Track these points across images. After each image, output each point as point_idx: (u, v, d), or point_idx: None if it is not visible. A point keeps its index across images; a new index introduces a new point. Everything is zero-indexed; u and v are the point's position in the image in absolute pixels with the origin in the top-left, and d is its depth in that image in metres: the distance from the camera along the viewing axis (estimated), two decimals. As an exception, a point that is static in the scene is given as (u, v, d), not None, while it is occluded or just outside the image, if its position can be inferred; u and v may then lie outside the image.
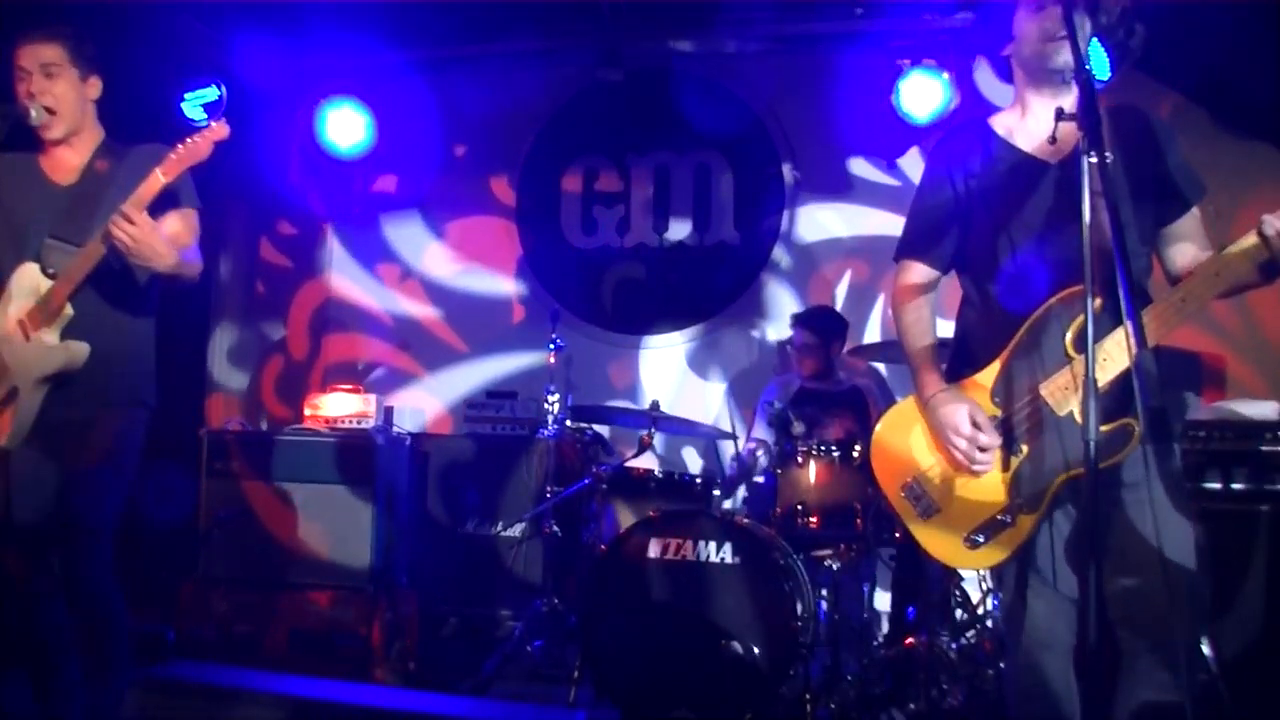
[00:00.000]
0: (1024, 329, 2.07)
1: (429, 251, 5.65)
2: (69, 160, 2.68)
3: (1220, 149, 4.33)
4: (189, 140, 2.51)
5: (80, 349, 2.56)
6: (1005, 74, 2.26)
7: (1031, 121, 2.16)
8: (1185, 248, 2.11)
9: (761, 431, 4.46)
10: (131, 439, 2.67)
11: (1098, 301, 1.82)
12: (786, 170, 5.24)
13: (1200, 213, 2.12)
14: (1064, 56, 2.00)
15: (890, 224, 5.04)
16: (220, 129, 2.52)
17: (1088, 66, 1.80)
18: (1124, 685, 2.01)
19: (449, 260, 5.62)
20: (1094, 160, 1.72)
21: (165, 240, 2.49)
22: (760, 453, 4.37)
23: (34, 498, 2.54)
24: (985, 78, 4.62)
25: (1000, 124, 2.24)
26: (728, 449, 4.39)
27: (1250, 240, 1.89)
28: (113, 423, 2.62)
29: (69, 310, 2.53)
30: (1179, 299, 1.94)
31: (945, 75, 4.67)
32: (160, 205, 2.62)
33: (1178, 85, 4.42)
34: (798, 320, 4.53)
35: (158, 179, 2.48)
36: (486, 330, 5.54)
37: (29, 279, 2.57)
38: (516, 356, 5.45)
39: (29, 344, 2.54)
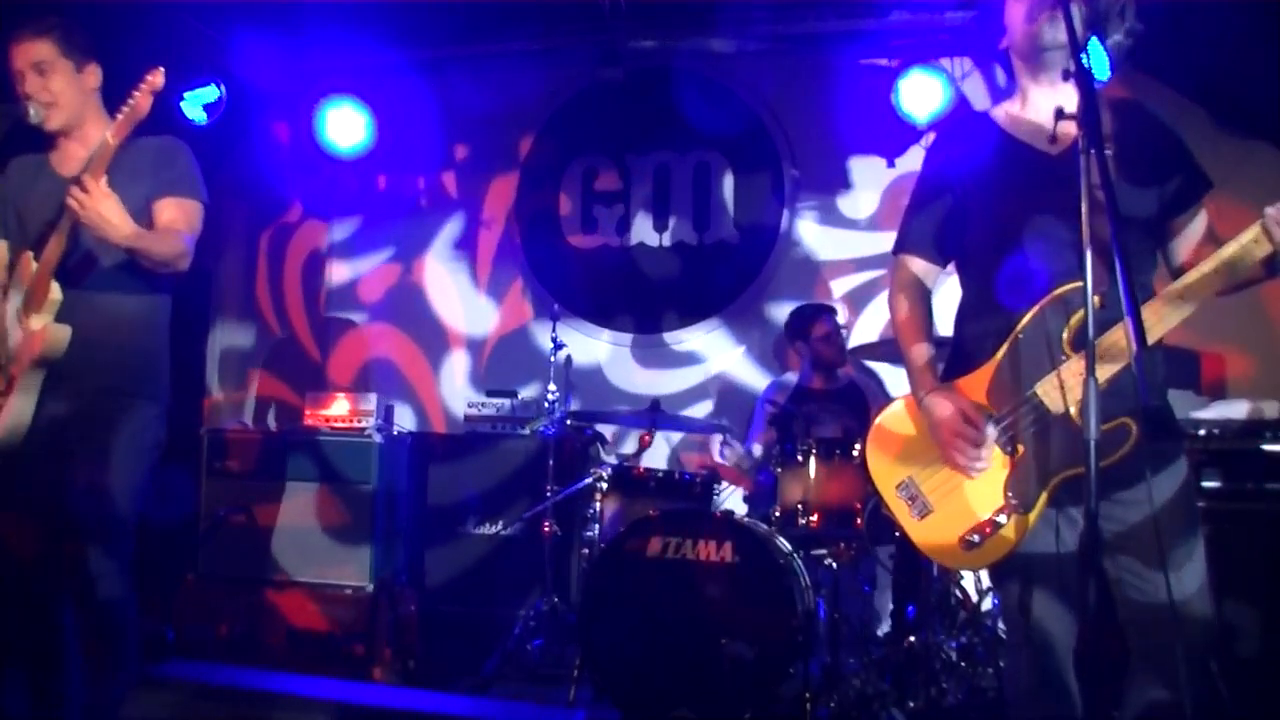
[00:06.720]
0: (1020, 326, 2.02)
1: (429, 251, 5.64)
2: (76, 152, 2.66)
3: (1220, 149, 4.33)
4: (130, 100, 2.47)
5: (58, 331, 2.48)
6: (1007, 70, 2.23)
7: (1031, 112, 2.10)
8: (1189, 243, 2.05)
9: (760, 431, 4.46)
10: (142, 438, 2.59)
11: (1097, 298, 1.78)
12: (786, 170, 5.25)
13: (1207, 208, 2.07)
14: (1054, 33, 1.94)
15: (890, 224, 5.06)
16: (156, 78, 2.47)
17: (1085, 62, 1.77)
18: (1131, 686, 2.00)
19: (449, 260, 5.62)
20: (1094, 156, 1.70)
21: (117, 211, 2.40)
22: (759, 451, 4.37)
23: (37, 496, 2.50)
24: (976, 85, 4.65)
25: (1000, 115, 2.18)
26: (716, 443, 4.38)
27: (1251, 234, 1.82)
28: (120, 419, 2.55)
29: (55, 294, 2.48)
30: (1177, 294, 1.87)
31: (945, 75, 4.67)
32: (156, 190, 2.61)
33: (1178, 85, 4.42)
34: (820, 309, 4.57)
35: (108, 143, 2.45)
36: (487, 330, 5.54)
37: (26, 268, 2.56)
38: (517, 356, 5.45)
39: (21, 331, 2.52)
